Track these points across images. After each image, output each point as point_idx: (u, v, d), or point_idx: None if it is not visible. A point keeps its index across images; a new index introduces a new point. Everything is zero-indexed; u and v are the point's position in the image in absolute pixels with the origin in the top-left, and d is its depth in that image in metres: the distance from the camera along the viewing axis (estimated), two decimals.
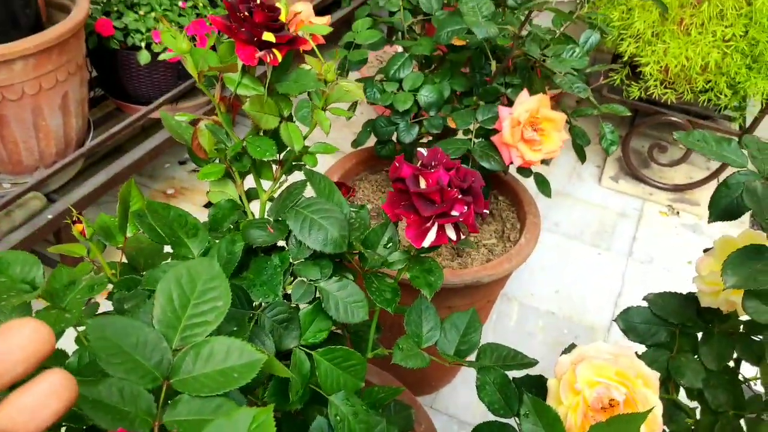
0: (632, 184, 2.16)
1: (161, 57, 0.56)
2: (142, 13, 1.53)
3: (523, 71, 1.12)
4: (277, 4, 0.58)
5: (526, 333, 1.62)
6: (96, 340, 0.40)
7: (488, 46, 1.07)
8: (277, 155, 0.60)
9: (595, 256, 1.87)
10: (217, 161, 0.67)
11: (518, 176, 1.22)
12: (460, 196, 0.61)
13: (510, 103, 1.14)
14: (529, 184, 1.24)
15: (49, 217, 1.34)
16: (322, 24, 1.03)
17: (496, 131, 1.05)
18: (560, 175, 2.13)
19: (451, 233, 0.63)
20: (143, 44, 1.54)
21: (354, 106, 1.28)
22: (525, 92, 1.02)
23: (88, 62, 1.60)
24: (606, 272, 1.82)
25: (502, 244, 1.26)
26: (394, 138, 1.20)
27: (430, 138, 1.26)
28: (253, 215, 0.67)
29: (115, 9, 1.54)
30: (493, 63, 1.06)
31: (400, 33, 1.28)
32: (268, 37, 0.54)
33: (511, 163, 1.03)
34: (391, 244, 0.69)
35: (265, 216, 0.65)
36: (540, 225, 1.26)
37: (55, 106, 1.33)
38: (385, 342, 0.74)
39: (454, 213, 0.62)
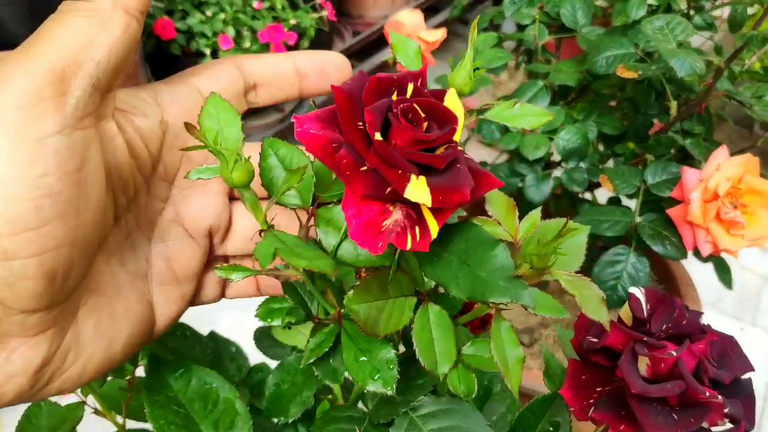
0: None
1: (190, 176, 0.29)
2: (209, 14, 1.29)
3: (706, 116, 0.81)
4: (448, 98, 0.26)
5: None
6: None
7: (664, 79, 0.76)
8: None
9: (736, 331, 1.52)
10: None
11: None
12: (720, 401, 0.32)
13: (685, 158, 0.83)
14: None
15: None
16: (437, 39, 0.75)
17: (671, 200, 0.74)
18: None
19: None
20: (208, 51, 1.29)
21: (465, 143, 0.99)
22: (723, 149, 0.70)
23: (148, 69, 1.37)
24: (751, 353, 1.45)
25: None
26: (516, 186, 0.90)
27: (560, 193, 0.96)
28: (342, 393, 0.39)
29: (180, 8, 1.30)
30: (673, 103, 0.74)
31: (527, 53, 0.99)
32: (417, 192, 0.23)
33: (695, 248, 0.72)
34: None
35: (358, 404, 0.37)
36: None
37: None
38: None
39: (705, 427, 0.32)
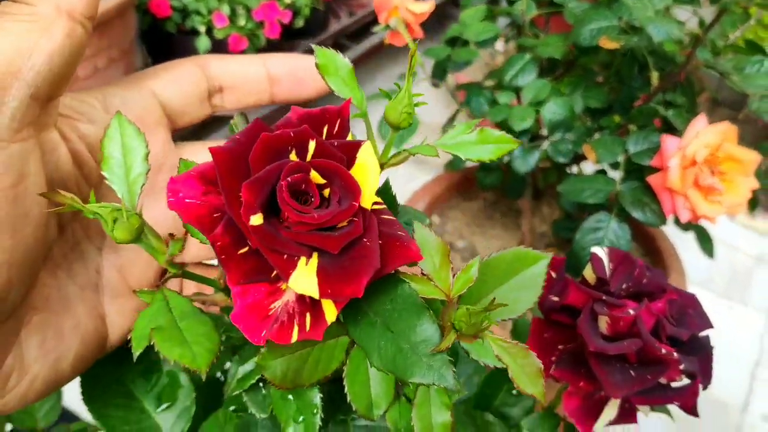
0: None
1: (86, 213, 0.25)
2: None
3: (688, 87, 0.81)
4: (362, 153, 0.23)
5: None
6: None
7: (646, 51, 0.77)
8: None
9: (726, 310, 1.53)
10: None
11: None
12: (676, 357, 0.33)
13: (667, 128, 0.84)
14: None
15: None
16: (424, 11, 0.75)
17: (651, 168, 0.75)
18: None
19: (643, 413, 0.35)
20: (203, 28, 1.30)
21: (454, 117, 1.00)
22: (702, 117, 0.71)
23: (144, 47, 1.38)
24: (740, 332, 1.48)
25: None
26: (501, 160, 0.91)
27: (548, 166, 0.97)
28: None
29: None
30: (654, 74, 0.75)
31: (517, 28, 0.99)
32: (303, 281, 0.20)
33: (673, 214, 0.73)
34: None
35: None
36: (686, 288, 0.95)
37: None
38: None
39: (663, 382, 0.33)
